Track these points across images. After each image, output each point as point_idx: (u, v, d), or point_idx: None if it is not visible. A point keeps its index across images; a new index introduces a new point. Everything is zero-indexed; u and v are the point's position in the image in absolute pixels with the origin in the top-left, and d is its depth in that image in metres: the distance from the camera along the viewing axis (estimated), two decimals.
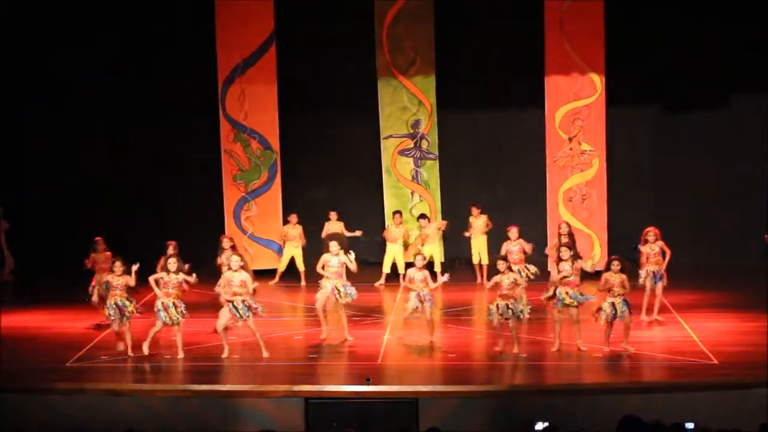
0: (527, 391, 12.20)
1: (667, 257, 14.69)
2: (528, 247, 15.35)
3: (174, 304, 13.24)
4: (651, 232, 14.80)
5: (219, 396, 12.17)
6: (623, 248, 14.86)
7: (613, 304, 13.10)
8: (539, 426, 9.45)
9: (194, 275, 13.47)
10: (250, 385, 12.34)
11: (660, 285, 14.64)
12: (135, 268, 13.44)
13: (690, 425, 9.12)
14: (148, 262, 13.84)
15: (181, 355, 13.33)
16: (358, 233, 17.28)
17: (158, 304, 13.26)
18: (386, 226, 17.78)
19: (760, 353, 12.90)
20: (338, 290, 13.85)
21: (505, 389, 12.17)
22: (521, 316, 13.38)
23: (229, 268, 13.47)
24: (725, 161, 18.53)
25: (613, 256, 13.39)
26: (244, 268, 13.44)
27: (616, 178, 18.49)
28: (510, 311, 13.12)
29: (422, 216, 17.63)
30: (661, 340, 13.97)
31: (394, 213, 17.69)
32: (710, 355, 13.07)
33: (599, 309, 13.17)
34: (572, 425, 10.84)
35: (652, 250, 14.66)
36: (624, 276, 13.17)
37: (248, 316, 13.25)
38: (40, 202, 18.79)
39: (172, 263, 13.39)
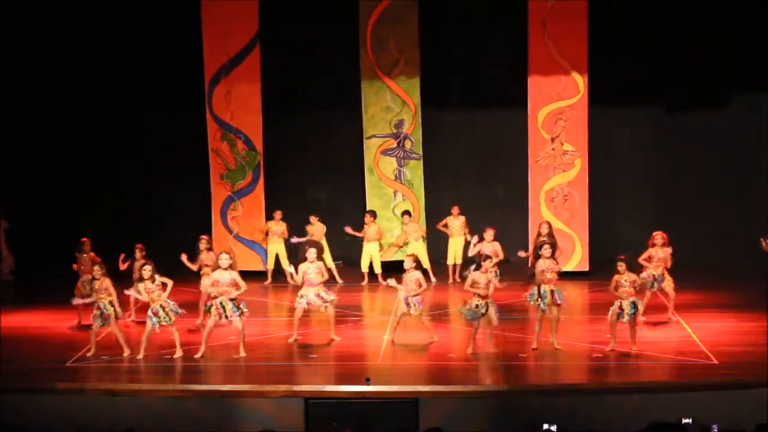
0: (527, 392, 12.20)
1: (667, 264, 14.66)
2: (501, 253, 15.26)
3: (162, 306, 13.23)
4: (659, 235, 14.75)
5: (219, 396, 12.16)
6: (615, 249, 14.84)
7: (620, 306, 13.11)
8: (546, 427, 9.45)
9: (171, 283, 13.44)
10: (250, 385, 12.33)
11: (669, 287, 14.61)
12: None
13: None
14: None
15: (179, 353, 13.34)
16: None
17: (149, 311, 13.26)
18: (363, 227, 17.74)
19: (760, 353, 12.92)
20: (320, 296, 13.82)
21: (505, 389, 12.16)
22: (494, 317, 13.32)
23: (217, 267, 13.42)
24: (725, 161, 18.56)
25: (618, 257, 13.34)
26: (232, 267, 13.41)
27: (614, 179, 18.51)
28: (482, 311, 13.11)
29: (405, 212, 17.64)
30: (661, 340, 13.97)
31: (366, 213, 17.68)
32: (710, 355, 13.07)
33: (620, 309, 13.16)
34: (572, 425, 10.84)
35: (657, 254, 14.61)
36: (634, 276, 13.19)
37: (235, 317, 13.21)
38: (40, 202, 18.78)
39: (147, 270, 13.29)
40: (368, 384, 12.07)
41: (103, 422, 11.70)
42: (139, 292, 13.32)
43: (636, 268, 13.76)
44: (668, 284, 14.64)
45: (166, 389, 12.33)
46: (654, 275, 14.55)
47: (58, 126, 18.71)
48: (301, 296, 13.87)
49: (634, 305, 13.12)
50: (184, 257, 14.70)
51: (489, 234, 15.36)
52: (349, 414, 11.79)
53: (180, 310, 13.38)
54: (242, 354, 13.31)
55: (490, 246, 15.19)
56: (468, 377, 12.62)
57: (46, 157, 18.87)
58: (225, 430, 11.87)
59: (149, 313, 13.25)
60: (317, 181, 19.22)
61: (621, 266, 13.17)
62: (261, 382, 12.44)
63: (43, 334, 14.65)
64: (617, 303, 13.18)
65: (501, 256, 15.25)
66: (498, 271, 15.10)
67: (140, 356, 13.27)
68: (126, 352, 13.39)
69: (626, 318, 13.10)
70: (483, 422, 11.79)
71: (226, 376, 12.82)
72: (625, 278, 13.12)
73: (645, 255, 14.61)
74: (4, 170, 18.30)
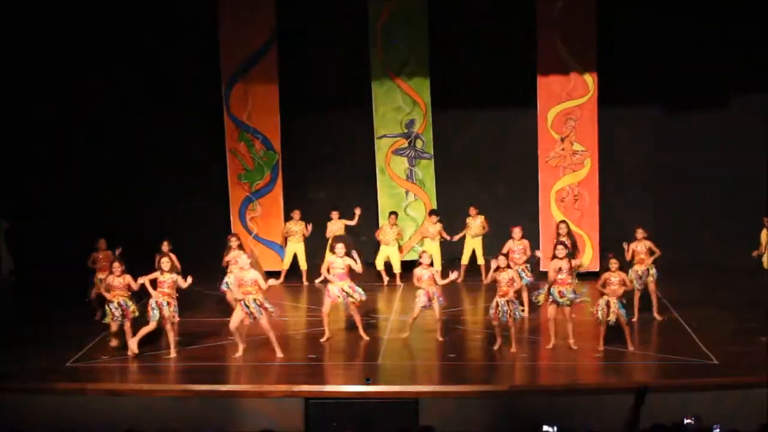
0: (527, 391, 12.21)
1: (655, 255, 14.72)
2: (529, 251, 15.33)
3: (168, 302, 13.24)
4: (639, 230, 14.87)
5: (219, 396, 12.17)
6: (618, 249, 14.86)
7: (608, 303, 13.11)
8: (546, 428, 9.44)
9: (189, 278, 13.46)
10: (250, 385, 12.35)
11: (651, 283, 14.65)
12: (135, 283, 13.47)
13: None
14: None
15: (173, 354, 13.35)
16: (357, 211, 17.41)
17: (152, 303, 13.28)
18: (380, 226, 17.74)
19: (760, 353, 12.92)
20: (346, 292, 13.83)
21: (505, 389, 12.17)
22: (517, 316, 13.38)
23: (241, 268, 13.45)
24: (725, 161, 18.55)
25: (610, 254, 13.42)
26: (253, 266, 13.44)
27: (616, 179, 18.50)
28: (508, 310, 13.15)
29: (433, 212, 17.63)
30: (661, 340, 13.97)
31: (390, 214, 17.69)
32: (710, 355, 13.08)
33: (596, 308, 13.21)
34: (573, 425, 10.83)
35: (638, 248, 14.68)
36: (624, 274, 13.22)
37: (260, 315, 13.22)
38: (40, 202, 18.77)
39: (166, 262, 13.40)
40: (368, 384, 12.08)
41: (103, 422, 11.69)
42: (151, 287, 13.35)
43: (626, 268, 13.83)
44: (650, 281, 14.67)
45: (166, 389, 12.34)
46: (638, 272, 14.59)
47: (69, 126, 18.64)
48: (329, 292, 13.90)
49: (622, 305, 13.13)
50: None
51: (516, 232, 15.28)
52: (349, 414, 11.79)
53: (177, 313, 13.39)
54: (279, 354, 13.29)
55: (519, 244, 15.20)
56: (468, 377, 12.62)
57: (50, 157, 18.83)
58: (225, 430, 11.88)
59: (152, 304, 13.25)
60: (327, 181, 19.22)
61: (613, 263, 13.18)
62: (261, 382, 12.45)
63: (43, 334, 14.64)
64: (603, 301, 13.16)
65: (529, 253, 15.28)
66: (530, 266, 15.19)
67: (134, 349, 13.27)
68: (114, 344, 13.38)
69: (618, 318, 13.10)
70: (483, 422, 11.79)
71: (226, 376, 12.83)
72: (615, 276, 13.13)
73: (629, 254, 14.65)
74: (4, 170, 18.30)
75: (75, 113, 18.59)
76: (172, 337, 13.38)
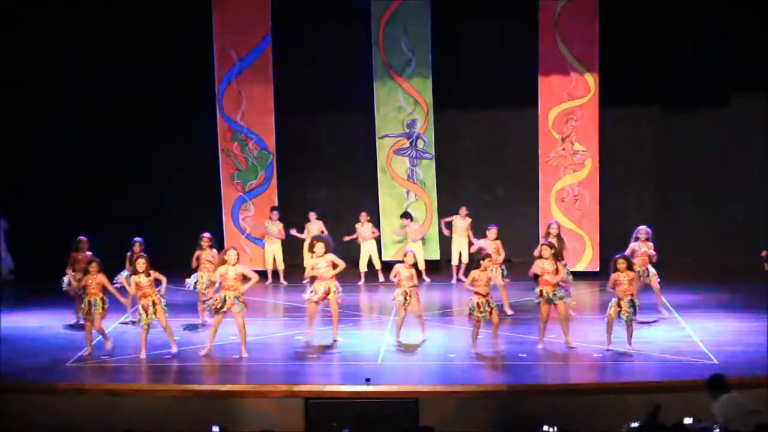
0: (527, 391, 12.19)
1: (652, 259, 14.72)
2: (503, 251, 15.28)
3: (154, 301, 13.21)
4: (642, 230, 14.83)
5: (219, 396, 12.16)
6: (620, 249, 14.85)
7: (618, 303, 13.12)
8: (546, 428, 9.44)
9: (165, 279, 13.44)
10: (250, 385, 12.34)
11: (654, 282, 14.65)
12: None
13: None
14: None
15: (174, 349, 13.36)
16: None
17: (138, 308, 13.28)
18: (356, 229, 17.71)
19: (760, 353, 12.91)
20: (331, 290, 13.79)
21: (505, 389, 12.17)
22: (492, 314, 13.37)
23: (223, 262, 13.34)
24: (725, 161, 18.57)
25: (617, 256, 13.41)
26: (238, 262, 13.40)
27: (616, 179, 18.51)
28: (485, 309, 13.14)
29: (405, 215, 17.63)
30: (661, 340, 13.97)
31: (361, 213, 17.70)
32: (710, 355, 13.07)
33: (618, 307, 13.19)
34: (572, 425, 10.83)
35: (640, 248, 14.68)
36: (632, 274, 13.23)
37: (240, 311, 13.18)
38: (40, 202, 18.77)
39: (141, 264, 13.27)
40: (368, 384, 12.07)
41: (103, 422, 11.69)
42: (128, 284, 13.31)
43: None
44: (653, 280, 14.68)
45: (166, 389, 12.34)
46: (638, 271, 14.58)
47: (67, 126, 18.65)
48: (313, 291, 13.83)
49: (633, 304, 13.13)
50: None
51: (492, 232, 15.36)
52: (349, 414, 11.79)
53: (168, 310, 13.38)
54: (244, 355, 13.29)
55: (492, 244, 15.20)
56: (468, 377, 12.61)
57: (54, 157, 18.83)
58: (225, 430, 11.86)
59: (139, 308, 13.24)
60: (329, 182, 19.23)
61: (621, 264, 13.20)
62: (261, 382, 12.44)
63: (43, 334, 14.65)
64: (614, 300, 13.18)
65: (502, 254, 15.26)
66: (504, 268, 15.18)
67: (142, 356, 13.28)
68: (109, 346, 13.40)
69: (625, 317, 13.10)
70: (483, 422, 11.79)
71: (226, 376, 12.82)
72: (624, 276, 13.14)
73: (628, 250, 14.63)
74: (4, 170, 18.29)
75: (72, 113, 18.59)
76: (168, 333, 13.38)
